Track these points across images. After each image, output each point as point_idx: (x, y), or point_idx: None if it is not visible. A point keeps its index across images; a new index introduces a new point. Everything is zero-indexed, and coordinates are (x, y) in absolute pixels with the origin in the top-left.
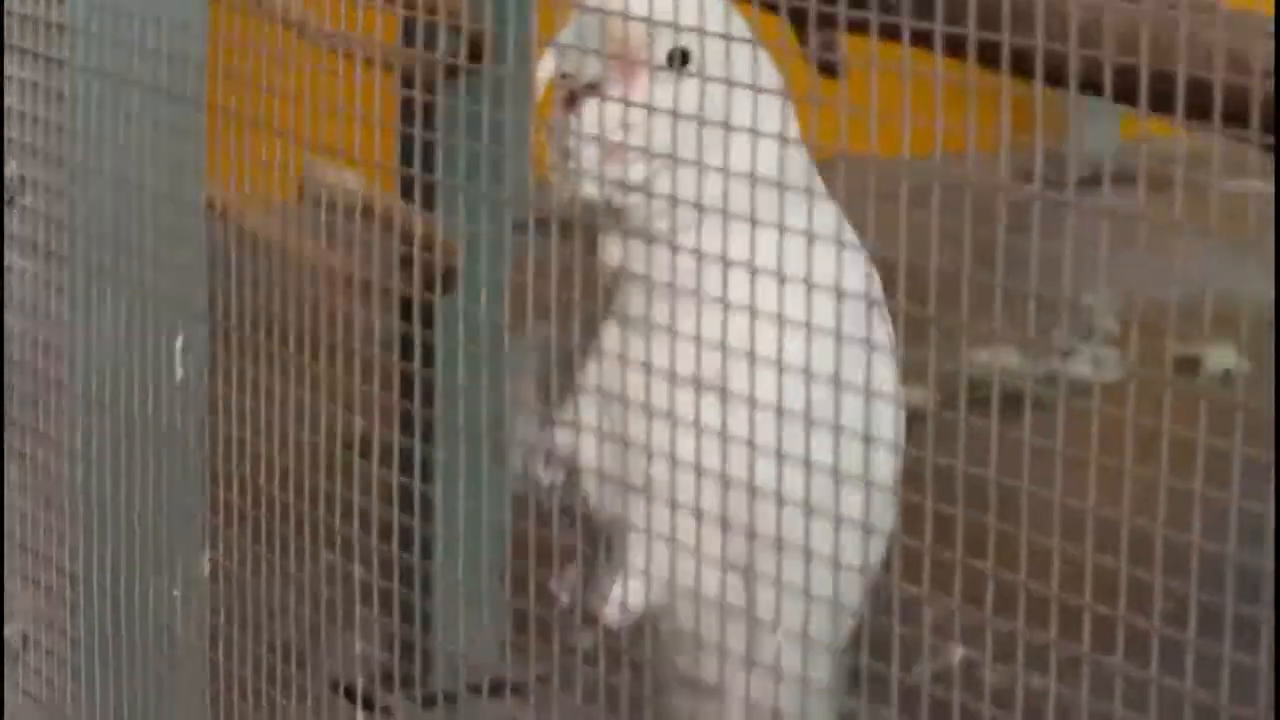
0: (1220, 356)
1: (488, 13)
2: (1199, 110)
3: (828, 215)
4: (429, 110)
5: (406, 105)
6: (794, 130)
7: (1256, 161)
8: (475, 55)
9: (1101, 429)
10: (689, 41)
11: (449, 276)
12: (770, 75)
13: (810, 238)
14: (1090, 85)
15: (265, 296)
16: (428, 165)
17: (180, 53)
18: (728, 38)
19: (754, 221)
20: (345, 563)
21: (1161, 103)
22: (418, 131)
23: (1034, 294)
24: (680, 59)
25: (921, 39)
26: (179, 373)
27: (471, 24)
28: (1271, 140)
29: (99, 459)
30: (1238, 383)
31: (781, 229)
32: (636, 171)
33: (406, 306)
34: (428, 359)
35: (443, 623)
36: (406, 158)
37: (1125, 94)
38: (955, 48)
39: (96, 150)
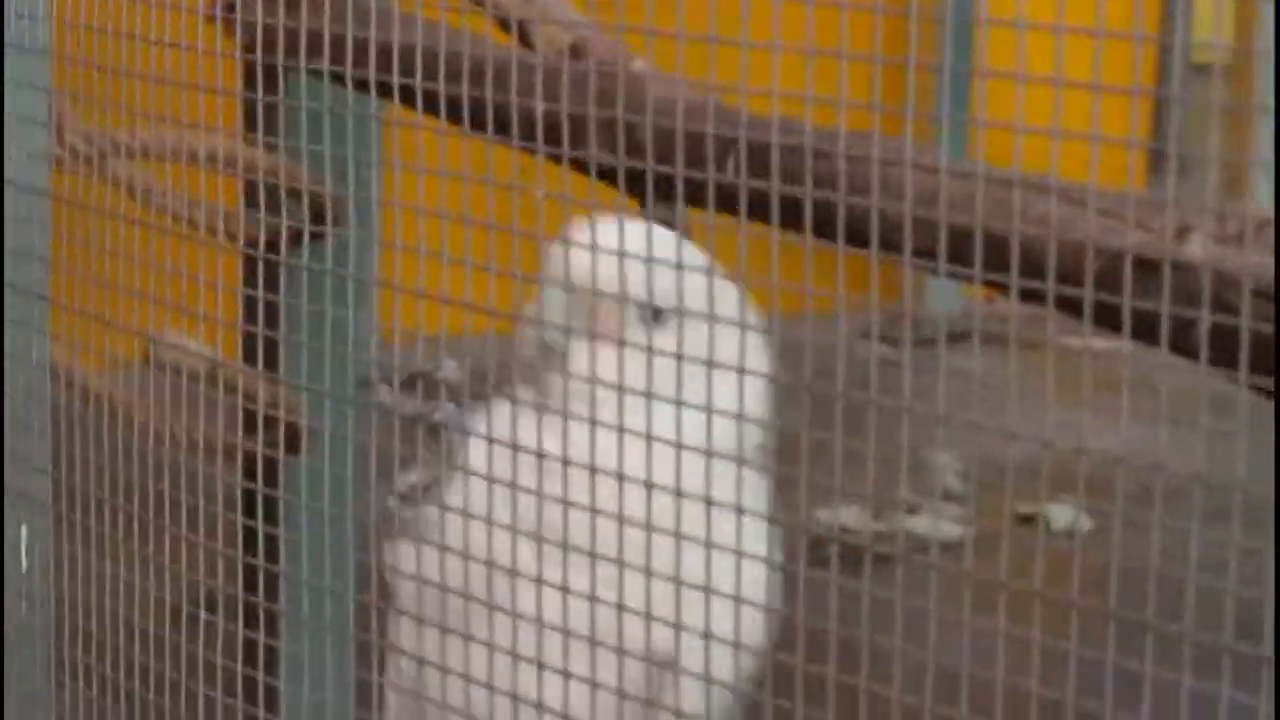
0: (1060, 514)
1: (328, 178)
2: (1032, 283)
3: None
4: (272, 273)
5: (249, 269)
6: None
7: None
8: (318, 219)
9: (945, 583)
10: (665, 298)
11: (294, 437)
12: (755, 345)
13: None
14: (924, 254)
15: (110, 458)
16: (271, 327)
17: (25, 247)
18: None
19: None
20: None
21: (997, 273)
22: (260, 295)
23: (873, 452)
24: (652, 316)
25: (759, 210)
26: (23, 564)
27: (312, 190)
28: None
29: None
30: (1077, 540)
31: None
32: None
33: (252, 467)
34: (273, 517)
35: None
36: (250, 320)
37: (960, 262)
38: (791, 217)
39: None
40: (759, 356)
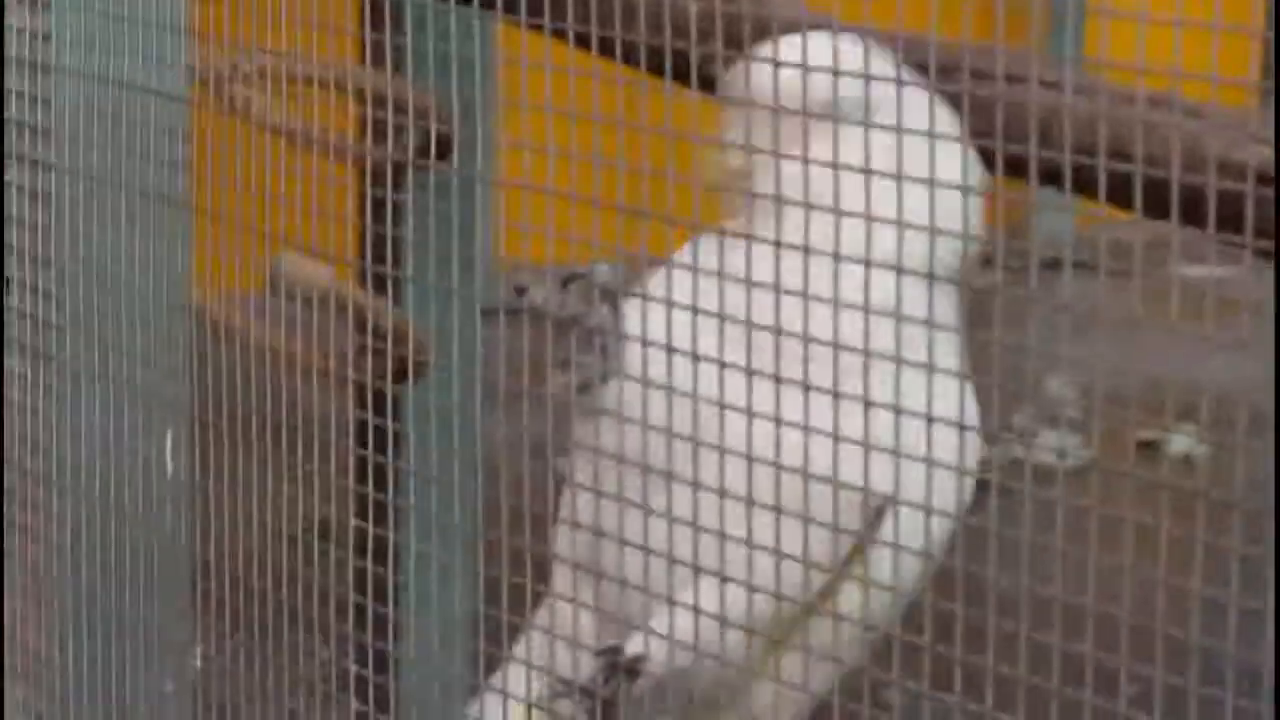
0: (1180, 441)
1: (456, 113)
2: (1158, 204)
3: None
4: (395, 205)
5: (373, 201)
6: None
7: (1213, 248)
8: (442, 153)
9: (1065, 515)
10: (853, 108)
11: (420, 366)
12: (950, 153)
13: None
14: (1050, 177)
15: (239, 388)
16: (396, 259)
17: (165, 155)
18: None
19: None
20: (322, 648)
21: (1120, 196)
22: (389, 222)
23: (995, 381)
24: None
25: None
26: (169, 469)
27: (439, 123)
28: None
29: (89, 556)
30: (1197, 466)
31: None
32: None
33: (372, 395)
34: (398, 448)
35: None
36: (373, 251)
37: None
38: None
39: (84, 252)
40: (953, 164)
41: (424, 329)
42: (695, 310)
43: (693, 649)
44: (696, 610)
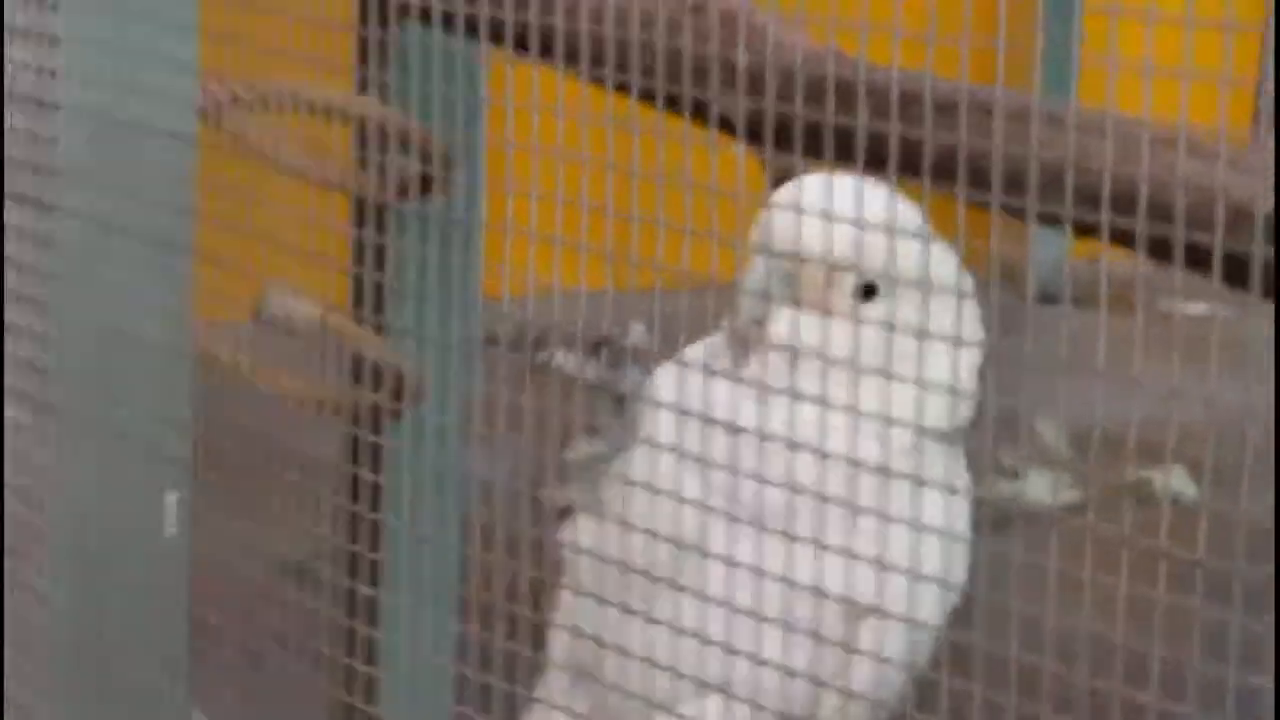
0: (1167, 480)
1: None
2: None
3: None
4: (381, 224)
5: (361, 221)
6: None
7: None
8: (436, 185)
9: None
10: (880, 273)
11: (401, 394)
12: (970, 316)
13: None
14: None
15: (231, 425)
16: (381, 293)
17: (170, 198)
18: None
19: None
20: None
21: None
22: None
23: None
24: (863, 293)
25: (877, 159)
26: (169, 530)
27: (433, 156)
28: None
29: (82, 613)
30: (1187, 508)
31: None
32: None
33: (363, 422)
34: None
35: None
36: (364, 285)
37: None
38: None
39: (82, 296)
40: (974, 327)
41: (415, 363)
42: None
43: None
44: (728, 694)
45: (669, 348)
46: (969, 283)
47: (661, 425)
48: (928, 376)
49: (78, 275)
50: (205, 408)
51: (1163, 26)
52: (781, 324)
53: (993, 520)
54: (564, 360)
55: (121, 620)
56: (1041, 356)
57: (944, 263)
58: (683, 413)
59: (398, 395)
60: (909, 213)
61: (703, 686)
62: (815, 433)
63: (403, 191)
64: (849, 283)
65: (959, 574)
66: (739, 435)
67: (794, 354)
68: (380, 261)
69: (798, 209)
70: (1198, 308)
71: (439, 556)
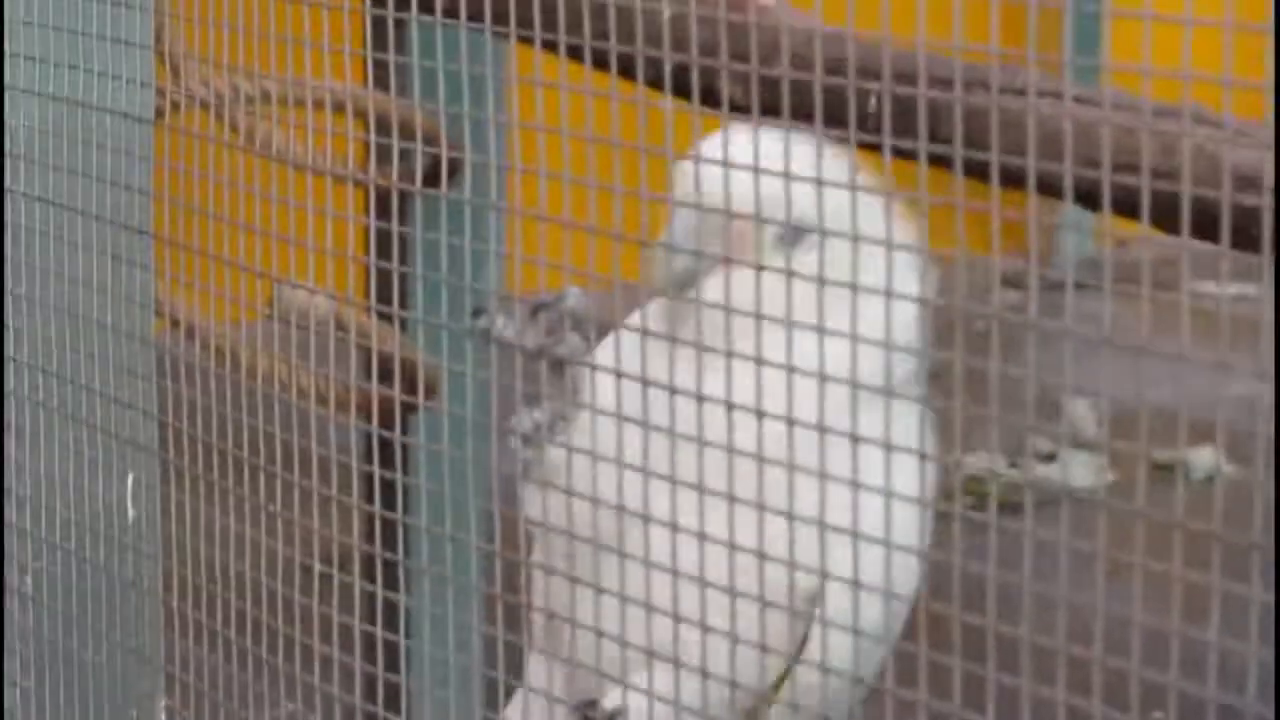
0: (1200, 461)
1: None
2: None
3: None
4: (401, 213)
5: (380, 224)
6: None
7: (1230, 263)
8: (450, 173)
9: (1081, 533)
10: (806, 217)
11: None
12: (904, 264)
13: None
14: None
15: (232, 408)
16: (403, 288)
17: (125, 179)
18: (853, 187)
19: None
20: (288, 701)
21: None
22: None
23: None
24: (791, 238)
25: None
26: (130, 513)
27: (446, 147)
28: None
29: (49, 602)
30: (1220, 487)
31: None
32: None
33: (376, 417)
34: (393, 468)
35: None
36: (379, 279)
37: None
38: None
39: (41, 281)
40: (909, 277)
41: (432, 359)
42: (645, 382)
43: (673, 703)
44: (677, 665)
45: (605, 311)
46: (904, 235)
47: (600, 392)
48: (859, 330)
49: (34, 258)
50: (220, 409)
51: None
52: (712, 281)
53: (1035, 502)
54: (503, 326)
55: (89, 607)
56: (1073, 339)
57: (872, 212)
58: (621, 376)
59: (413, 389)
60: (836, 162)
61: (650, 656)
62: (750, 394)
63: (411, 181)
64: (772, 231)
65: (911, 538)
66: (677, 401)
67: (726, 311)
68: (388, 253)
69: (722, 161)
70: (1231, 289)
71: (459, 553)
